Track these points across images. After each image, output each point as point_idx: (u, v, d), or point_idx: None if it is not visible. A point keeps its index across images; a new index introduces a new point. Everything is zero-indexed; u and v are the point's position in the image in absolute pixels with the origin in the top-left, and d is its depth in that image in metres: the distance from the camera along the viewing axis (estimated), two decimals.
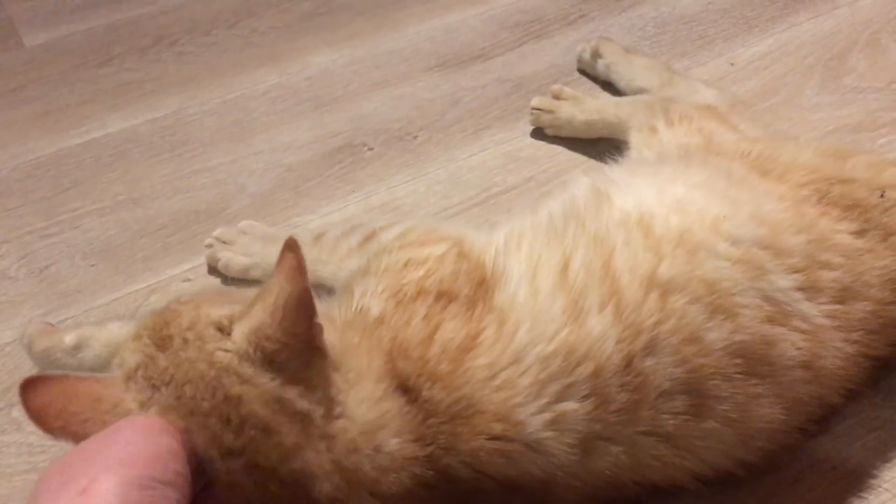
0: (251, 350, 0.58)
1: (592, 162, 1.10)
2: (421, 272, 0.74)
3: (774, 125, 1.15)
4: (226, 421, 0.56)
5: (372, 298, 0.72)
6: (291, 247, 0.61)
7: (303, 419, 0.59)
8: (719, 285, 0.69)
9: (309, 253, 0.92)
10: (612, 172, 0.88)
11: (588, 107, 1.11)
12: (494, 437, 0.64)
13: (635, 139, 1.00)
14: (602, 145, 1.11)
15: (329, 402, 0.60)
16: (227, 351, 0.58)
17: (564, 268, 0.70)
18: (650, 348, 0.66)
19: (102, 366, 0.84)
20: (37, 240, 1.05)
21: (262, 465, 0.57)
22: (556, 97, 1.14)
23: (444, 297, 0.72)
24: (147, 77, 1.32)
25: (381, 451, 0.61)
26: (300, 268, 0.60)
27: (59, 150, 1.18)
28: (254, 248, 0.98)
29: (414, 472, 0.62)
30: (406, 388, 0.65)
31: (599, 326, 0.66)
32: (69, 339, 0.84)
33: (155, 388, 0.57)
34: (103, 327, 0.86)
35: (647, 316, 0.67)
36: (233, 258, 0.98)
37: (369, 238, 0.88)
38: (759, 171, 0.82)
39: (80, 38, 1.40)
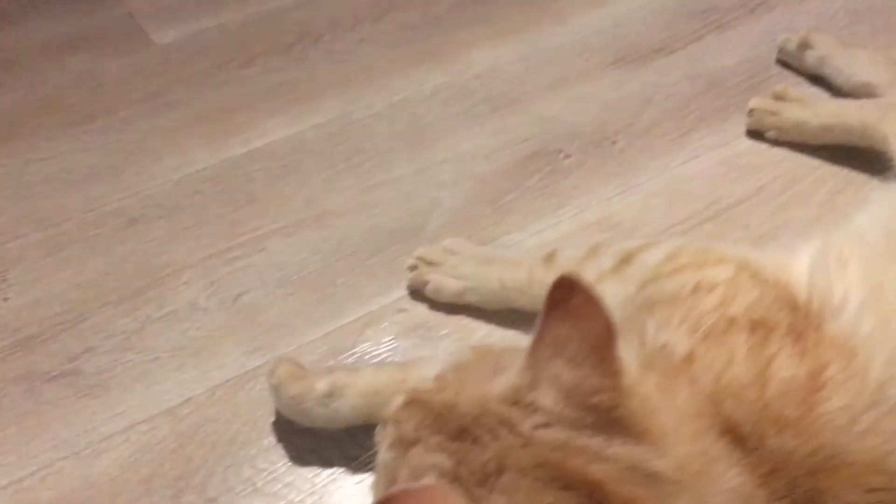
0: (582, 415, 0.47)
1: (828, 167, 1.00)
2: (715, 299, 0.65)
3: None
4: None
5: (671, 333, 0.62)
6: (568, 284, 0.49)
7: (655, 482, 0.49)
8: None
9: (545, 275, 0.83)
10: None
11: (822, 110, 1.00)
12: (872, 490, 0.54)
13: None
14: (832, 149, 1.00)
15: (665, 451, 0.50)
16: (547, 426, 0.47)
17: None
18: None
19: (357, 418, 0.74)
20: (221, 265, 0.95)
21: None
22: (780, 98, 1.03)
23: (761, 327, 0.62)
24: (297, 78, 1.21)
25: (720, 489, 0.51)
26: (592, 301, 0.49)
27: (222, 162, 1.08)
28: (466, 269, 0.88)
29: None
30: (738, 435, 0.55)
31: None
32: (321, 385, 0.74)
33: (486, 490, 0.46)
34: (358, 374, 0.76)
35: None
36: (443, 281, 0.88)
37: (626, 261, 0.78)
38: None
39: (215, 36, 1.30)
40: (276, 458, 0.77)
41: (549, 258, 0.84)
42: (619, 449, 0.47)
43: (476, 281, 0.87)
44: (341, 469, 0.76)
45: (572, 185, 1.02)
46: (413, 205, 1.01)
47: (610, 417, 0.48)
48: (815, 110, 1.00)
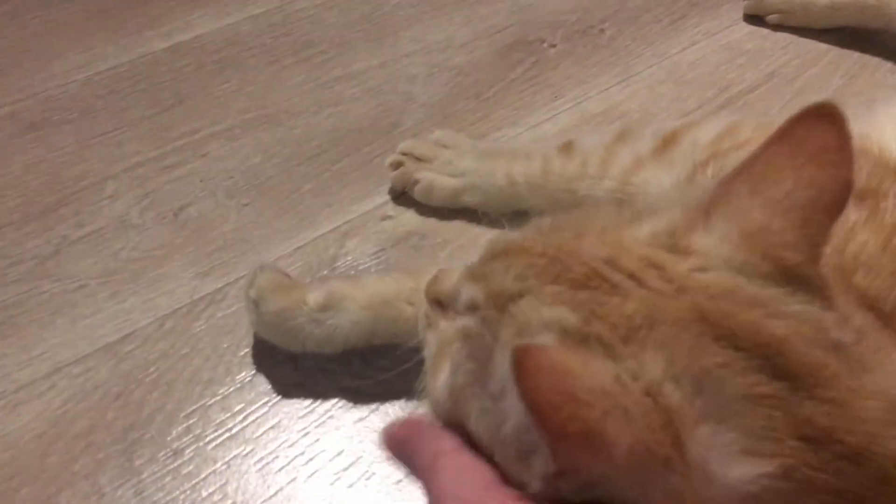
0: (756, 261, 0.34)
1: (839, 51, 0.90)
2: None
3: None
4: (764, 372, 0.32)
5: None
6: (823, 114, 0.36)
7: (843, 353, 0.36)
8: None
9: (564, 166, 0.70)
10: None
11: None
12: None
13: None
14: (836, 32, 0.91)
15: (845, 320, 0.38)
16: (707, 270, 0.34)
17: None
18: None
19: (359, 337, 0.59)
20: (154, 174, 0.77)
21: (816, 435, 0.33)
22: None
23: (868, 198, 0.52)
24: None
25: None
26: (845, 148, 0.36)
27: (140, 57, 0.89)
28: (464, 164, 0.73)
29: None
30: (879, 313, 0.44)
31: None
32: (315, 297, 0.58)
33: (636, 347, 0.32)
34: (359, 282, 0.60)
35: None
36: (436, 179, 0.73)
37: (671, 141, 0.66)
38: None
39: None
40: (255, 397, 0.61)
41: (567, 147, 0.71)
42: (803, 307, 0.34)
43: (477, 177, 0.73)
44: (338, 404, 0.61)
45: (564, 76, 0.88)
46: (382, 101, 0.85)
47: (794, 273, 0.34)
48: None
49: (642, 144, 0.67)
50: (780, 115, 0.80)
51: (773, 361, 0.32)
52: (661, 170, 0.65)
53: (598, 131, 0.75)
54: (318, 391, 0.61)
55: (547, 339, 0.33)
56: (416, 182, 0.74)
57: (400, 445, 0.39)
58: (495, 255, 0.38)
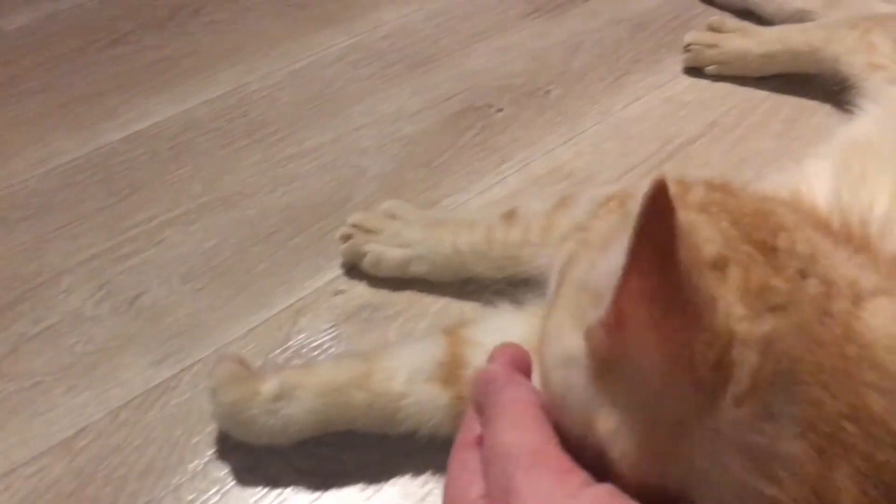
0: None
1: (777, 97, 0.93)
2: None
3: None
4: None
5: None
6: None
7: None
8: None
9: (507, 234, 0.72)
10: None
11: (766, 37, 0.93)
12: None
13: (858, 63, 0.83)
14: (773, 80, 0.94)
15: None
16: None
17: None
18: None
19: (315, 426, 0.60)
20: (109, 265, 0.78)
21: None
22: (717, 30, 0.96)
23: None
24: (178, 53, 1.05)
25: None
26: None
27: (97, 149, 0.91)
28: (411, 234, 0.75)
29: None
30: None
31: None
32: (268, 387, 0.59)
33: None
34: (312, 370, 0.61)
35: None
36: (384, 251, 0.75)
37: (610, 207, 0.67)
38: None
39: (72, 16, 1.12)
40: (207, 485, 0.61)
41: (510, 215, 0.73)
42: None
43: (424, 247, 0.74)
44: (290, 486, 0.61)
45: (511, 139, 0.90)
46: (334, 176, 0.87)
47: None
48: (758, 38, 0.94)
49: (579, 211, 0.68)
50: (720, 163, 0.83)
51: None
52: None
53: (541, 195, 0.77)
54: (270, 474, 0.61)
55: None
56: (365, 254, 0.75)
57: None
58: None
